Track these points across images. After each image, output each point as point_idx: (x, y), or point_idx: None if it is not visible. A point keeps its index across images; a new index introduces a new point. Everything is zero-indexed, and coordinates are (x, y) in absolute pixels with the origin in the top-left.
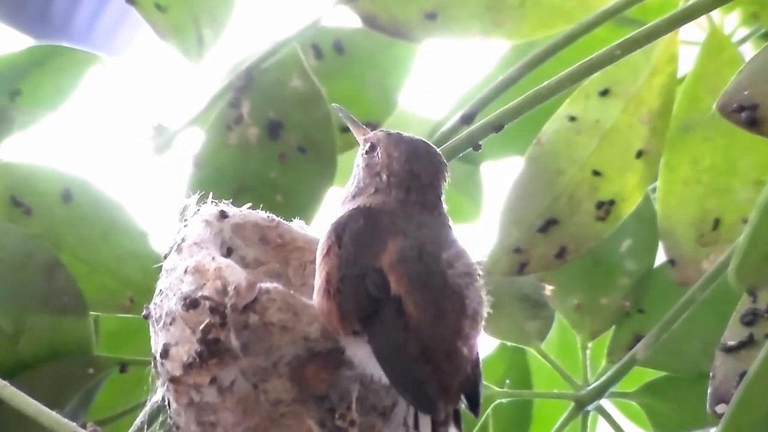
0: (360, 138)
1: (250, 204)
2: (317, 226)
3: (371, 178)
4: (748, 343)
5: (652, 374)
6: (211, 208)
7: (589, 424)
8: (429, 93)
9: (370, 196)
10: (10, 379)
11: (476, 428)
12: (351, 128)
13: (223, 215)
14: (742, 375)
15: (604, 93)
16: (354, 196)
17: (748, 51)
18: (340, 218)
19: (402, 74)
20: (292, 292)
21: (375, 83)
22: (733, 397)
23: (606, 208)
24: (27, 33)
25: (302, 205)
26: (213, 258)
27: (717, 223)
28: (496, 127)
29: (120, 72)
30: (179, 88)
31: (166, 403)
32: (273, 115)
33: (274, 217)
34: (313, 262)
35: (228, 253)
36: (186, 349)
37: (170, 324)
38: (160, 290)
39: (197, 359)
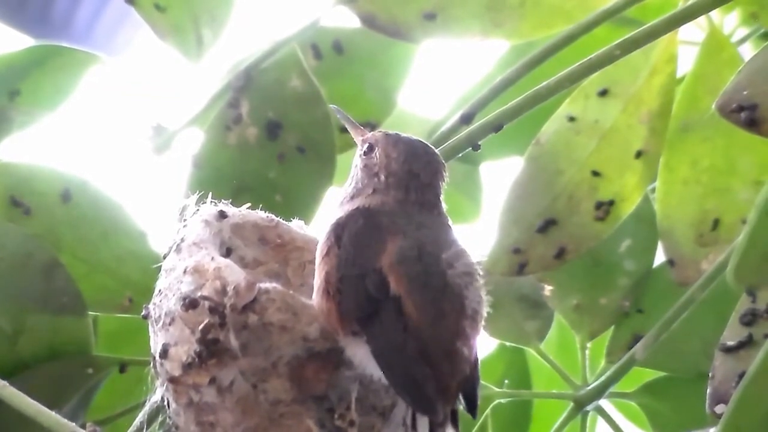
0: (358, 139)
1: (249, 204)
2: (316, 226)
3: (370, 178)
4: (747, 343)
5: (651, 374)
6: (210, 208)
7: (588, 425)
8: (428, 93)
9: (369, 197)
10: (9, 379)
11: (475, 428)
12: (348, 129)
13: (222, 215)
14: (742, 375)
15: (604, 93)
16: (352, 197)
17: (748, 51)
18: (340, 219)
19: (401, 74)
20: (291, 292)
21: (374, 83)
22: (732, 397)
23: (605, 208)
24: (27, 33)
25: (301, 205)
26: (212, 258)
27: (716, 223)
28: (496, 127)
29: (120, 72)
30: (178, 88)
31: (166, 403)
32: (272, 115)
33: (274, 217)
34: (312, 262)
35: (227, 253)
36: (185, 349)
37: (169, 324)
38: (160, 290)
39: (196, 359)
